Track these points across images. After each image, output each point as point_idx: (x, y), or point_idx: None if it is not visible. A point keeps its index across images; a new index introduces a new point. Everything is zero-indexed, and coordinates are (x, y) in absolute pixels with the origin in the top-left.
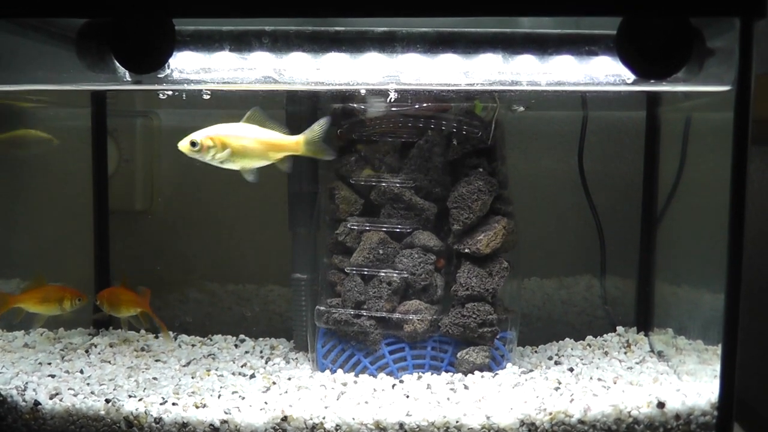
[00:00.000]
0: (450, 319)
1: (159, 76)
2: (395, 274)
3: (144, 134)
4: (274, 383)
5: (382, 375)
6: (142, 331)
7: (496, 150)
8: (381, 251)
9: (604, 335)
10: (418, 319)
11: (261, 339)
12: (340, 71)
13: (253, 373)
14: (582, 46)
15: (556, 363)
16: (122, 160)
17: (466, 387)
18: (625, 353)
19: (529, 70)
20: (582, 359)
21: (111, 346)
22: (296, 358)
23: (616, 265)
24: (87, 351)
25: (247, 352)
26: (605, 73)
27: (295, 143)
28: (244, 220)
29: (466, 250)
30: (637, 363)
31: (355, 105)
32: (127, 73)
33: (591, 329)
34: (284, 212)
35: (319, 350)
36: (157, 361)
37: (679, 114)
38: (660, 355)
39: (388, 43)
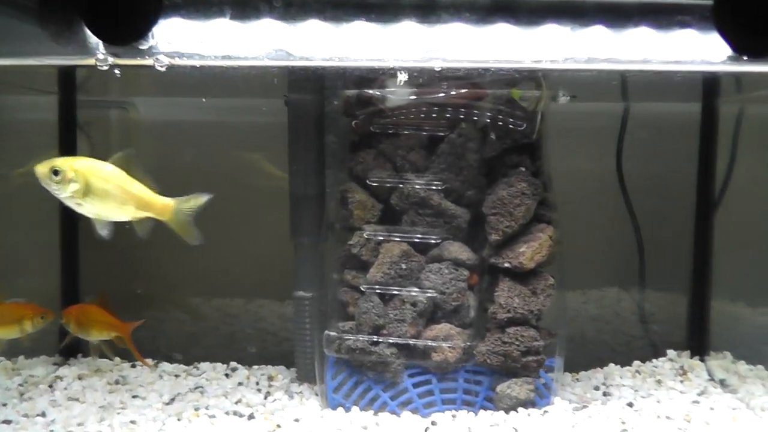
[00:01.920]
0: (487, 346)
1: (140, 48)
2: (421, 294)
3: (120, 128)
4: (278, 426)
5: (406, 413)
6: (117, 359)
7: (541, 146)
8: (404, 266)
9: (654, 360)
10: (448, 347)
11: (256, 367)
12: (368, 45)
13: (252, 413)
14: (670, 16)
15: (605, 394)
16: (95, 157)
17: (515, 430)
18: (682, 382)
19: (601, 45)
20: (635, 390)
21: (80, 379)
22: (300, 392)
23: (660, 278)
24: (51, 386)
25: (240, 384)
26: (697, 49)
27: (162, 206)
28: (238, 227)
29: (506, 265)
30: (699, 394)
31: (372, 91)
32: (101, 45)
33: (630, 351)
34: (285, 219)
35: (330, 383)
36: (134, 397)
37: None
38: (723, 384)
39: (428, 10)
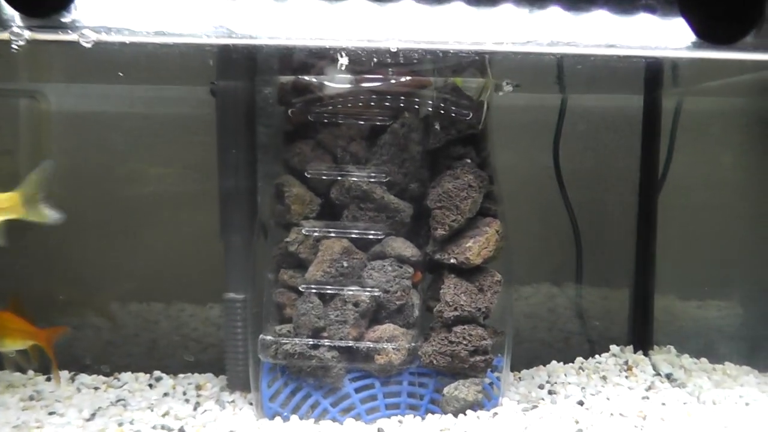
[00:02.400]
0: (433, 346)
1: (62, 20)
2: (363, 293)
3: (29, 120)
4: None
5: (348, 420)
6: (30, 373)
7: (486, 137)
8: (345, 263)
9: (597, 356)
10: (393, 348)
11: (182, 376)
12: (316, 23)
13: (182, 426)
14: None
15: (551, 393)
16: (3, 151)
17: None
18: (627, 377)
19: (559, 27)
20: (582, 387)
21: None
22: (233, 401)
23: (598, 272)
24: None
25: (166, 395)
26: (659, 34)
27: (8, 200)
28: (160, 225)
29: (452, 260)
30: (647, 389)
31: (309, 78)
32: (17, 17)
33: (568, 348)
34: (210, 216)
35: (265, 391)
36: (51, 414)
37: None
38: (670, 378)
39: None
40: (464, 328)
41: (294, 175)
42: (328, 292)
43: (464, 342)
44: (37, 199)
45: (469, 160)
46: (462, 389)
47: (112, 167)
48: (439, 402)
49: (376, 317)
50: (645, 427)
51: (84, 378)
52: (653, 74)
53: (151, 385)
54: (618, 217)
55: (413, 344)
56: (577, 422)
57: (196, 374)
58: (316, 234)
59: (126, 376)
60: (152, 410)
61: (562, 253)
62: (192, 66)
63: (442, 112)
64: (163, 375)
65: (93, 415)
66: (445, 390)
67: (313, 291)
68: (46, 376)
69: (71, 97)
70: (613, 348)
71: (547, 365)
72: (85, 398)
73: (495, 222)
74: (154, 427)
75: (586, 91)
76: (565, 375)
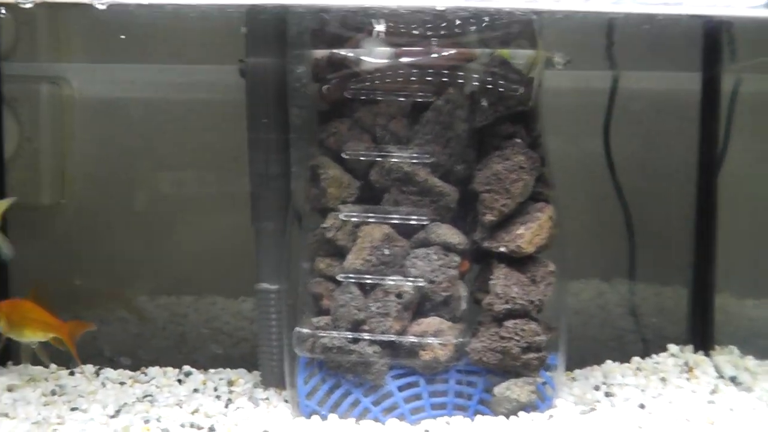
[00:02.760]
0: (483, 342)
1: None
2: (407, 283)
3: (52, 106)
4: None
5: (392, 420)
6: (53, 366)
7: (537, 115)
8: (387, 251)
9: (654, 356)
10: (439, 344)
11: (213, 371)
12: None
13: (212, 425)
14: None
15: (608, 395)
16: (23, 139)
17: None
18: (688, 379)
19: None
20: (642, 389)
21: (9, 390)
22: (267, 398)
23: (653, 267)
24: None
25: (196, 391)
26: None
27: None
28: (188, 213)
29: (502, 249)
30: (711, 393)
31: (346, 52)
32: None
33: (621, 346)
34: (244, 202)
35: (301, 388)
36: (74, 410)
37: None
38: (734, 381)
39: None
40: (516, 323)
41: (330, 157)
42: (369, 282)
43: (516, 338)
44: None
45: (519, 140)
46: (514, 389)
47: (139, 155)
48: (489, 403)
49: (420, 310)
50: None
51: (109, 372)
52: (712, 49)
53: (180, 381)
54: (673, 207)
55: (461, 340)
56: (640, 427)
57: (227, 369)
58: (354, 219)
59: (153, 370)
60: (181, 407)
61: (612, 246)
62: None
63: (490, 87)
64: (193, 370)
65: (117, 412)
66: (496, 390)
67: (353, 281)
68: (69, 370)
69: (96, 82)
70: (672, 348)
71: (602, 365)
72: (110, 394)
73: (548, 207)
74: (182, 425)
75: (639, 68)
76: (622, 376)
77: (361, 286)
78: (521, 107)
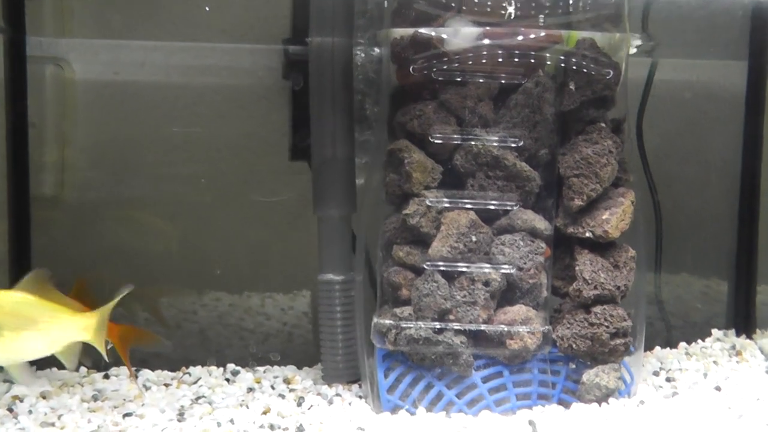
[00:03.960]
0: (571, 329)
1: None
2: (494, 270)
3: (54, 90)
4: None
5: (484, 412)
6: (83, 370)
7: (620, 99)
8: (473, 238)
9: (700, 341)
10: (528, 332)
11: (260, 369)
12: None
13: (300, 425)
14: None
15: (669, 379)
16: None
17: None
18: (738, 362)
19: None
20: (704, 373)
21: (44, 398)
22: (338, 395)
23: (686, 256)
24: (11, 409)
25: (251, 390)
26: None
27: (85, 322)
28: (226, 206)
29: (588, 234)
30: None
31: (429, 32)
32: None
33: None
34: (289, 193)
35: (382, 382)
36: (127, 415)
37: None
38: None
39: None
40: (605, 309)
41: (412, 140)
42: (456, 269)
43: (605, 324)
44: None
45: (603, 124)
46: (603, 376)
47: (159, 141)
48: (574, 391)
49: (504, 298)
50: None
51: (147, 374)
52: (760, 36)
53: (228, 380)
54: (712, 199)
55: (547, 327)
56: (729, 408)
57: (275, 367)
58: (442, 205)
59: (197, 370)
60: (246, 407)
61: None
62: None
63: (579, 70)
64: (239, 368)
65: (182, 415)
66: (585, 377)
67: (438, 269)
68: (103, 374)
69: (94, 65)
70: (716, 332)
71: (653, 351)
72: (158, 397)
73: (630, 192)
74: (261, 427)
75: (679, 55)
76: (678, 361)
77: (446, 275)
78: (607, 91)
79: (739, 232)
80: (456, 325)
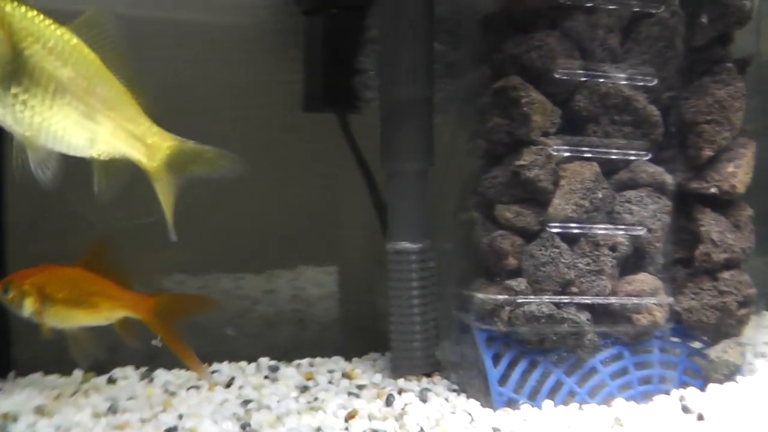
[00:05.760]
0: (699, 300)
1: None
2: (623, 233)
3: None
4: None
5: (619, 400)
6: (76, 374)
7: (758, 32)
8: (599, 194)
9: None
10: (656, 305)
11: (300, 362)
12: None
13: (421, 428)
14: None
15: (758, 355)
16: None
17: None
18: None
19: None
20: None
21: (41, 414)
22: (427, 389)
23: None
24: None
25: (305, 389)
26: None
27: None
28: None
29: (713, 190)
30: None
31: None
32: None
33: None
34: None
35: (491, 373)
36: (171, 431)
37: None
38: None
39: None
40: (733, 274)
41: (528, 79)
42: (578, 233)
43: (735, 291)
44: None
45: (730, 64)
46: (730, 352)
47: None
48: (697, 372)
49: (626, 265)
50: None
51: (161, 375)
52: None
53: (267, 377)
54: None
55: (672, 299)
56: None
57: (317, 358)
58: (565, 154)
59: (224, 367)
60: (323, 411)
61: None
62: None
63: (715, 3)
64: (279, 364)
65: (245, 429)
66: (714, 354)
67: (557, 232)
68: (106, 377)
69: None
70: None
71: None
72: (194, 403)
73: (751, 143)
74: None
75: None
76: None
77: (565, 239)
78: (739, 27)
79: None
80: (582, 299)
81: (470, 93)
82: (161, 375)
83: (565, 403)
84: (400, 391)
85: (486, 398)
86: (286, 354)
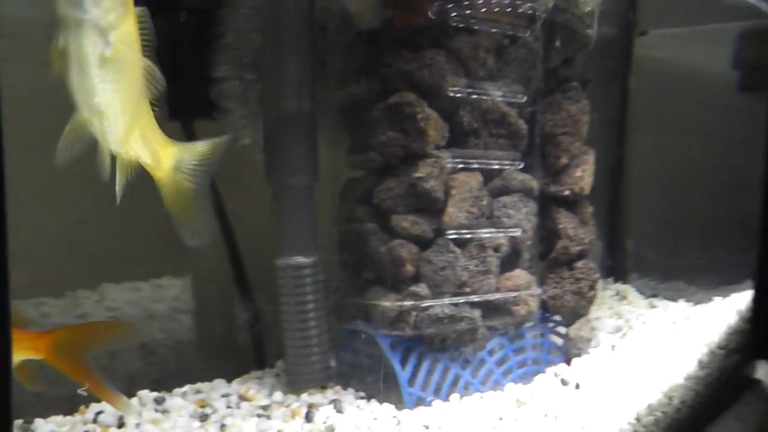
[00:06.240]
0: (563, 286)
1: None
2: (502, 235)
3: None
4: None
5: (509, 385)
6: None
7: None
8: (484, 201)
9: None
10: (529, 296)
11: (180, 389)
12: None
13: None
14: None
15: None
16: None
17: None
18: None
19: None
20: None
21: None
22: (337, 399)
23: None
24: None
25: (205, 417)
26: None
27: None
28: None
29: (566, 192)
30: None
31: None
32: None
33: None
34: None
35: (401, 375)
36: None
37: None
38: None
39: None
40: (585, 263)
41: (421, 95)
42: (466, 237)
43: (586, 278)
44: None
45: (576, 83)
46: (583, 329)
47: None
48: (557, 349)
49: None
50: None
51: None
52: None
53: (157, 410)
54: None
55: (540, 289)
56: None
57: (198, 383)
58: (457, 166)
59: (104, 406)
60: None
61: None
62: None
63: (565, 26)
64: (157, 393)
65: None
66: (571, 332)
67: (452, 238)
68: (117, 421)
69: None
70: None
71: None
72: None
73: (591, 150)
74: None
75: None
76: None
77: (459, 243)
78: (583, 50)
79: None
80: (475, 297)
81: (348, 105)
82: (41, 426)
83: (464, 394)
84: (310, 406)
85: (397, 400)
86: (158, 383)
